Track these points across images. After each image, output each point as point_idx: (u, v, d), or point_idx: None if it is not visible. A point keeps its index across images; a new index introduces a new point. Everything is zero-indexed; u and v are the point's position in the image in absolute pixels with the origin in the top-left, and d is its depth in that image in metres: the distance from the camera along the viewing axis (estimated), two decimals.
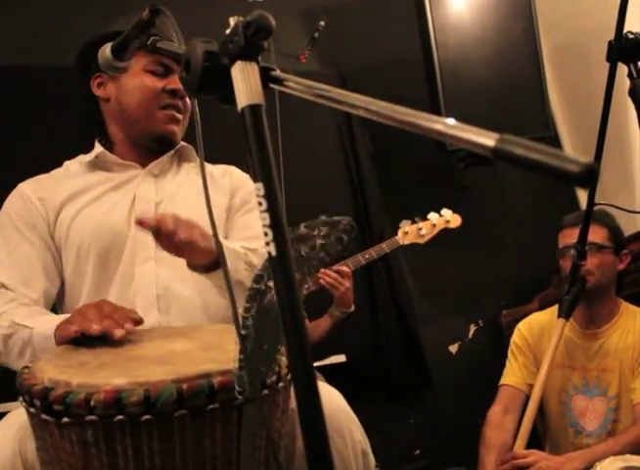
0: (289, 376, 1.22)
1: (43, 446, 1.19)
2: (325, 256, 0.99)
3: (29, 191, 1.82)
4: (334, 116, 3.75)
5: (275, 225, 0.82)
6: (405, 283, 3.59)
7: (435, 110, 3.54)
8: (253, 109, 0.87)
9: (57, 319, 1.53)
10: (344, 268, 2.95)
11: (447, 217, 3.23)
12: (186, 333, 1.46)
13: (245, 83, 0.88)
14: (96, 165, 1.90)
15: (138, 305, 1.69)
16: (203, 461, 1.10)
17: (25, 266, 1.74)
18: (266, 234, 0.83)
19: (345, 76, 3.88)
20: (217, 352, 1.21)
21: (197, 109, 1.16)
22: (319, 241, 0.97)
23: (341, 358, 3.37)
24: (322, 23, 3.68)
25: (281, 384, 1.19)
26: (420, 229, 3.16)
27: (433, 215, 3.21)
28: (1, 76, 3.18)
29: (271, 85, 0.93)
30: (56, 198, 1.80)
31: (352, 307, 2.99)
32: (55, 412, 1.09)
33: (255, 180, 0.84)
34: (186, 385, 1.06)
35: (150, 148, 1.90)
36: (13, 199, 1.83)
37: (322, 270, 2.91)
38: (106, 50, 1.48)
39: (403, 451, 2.98)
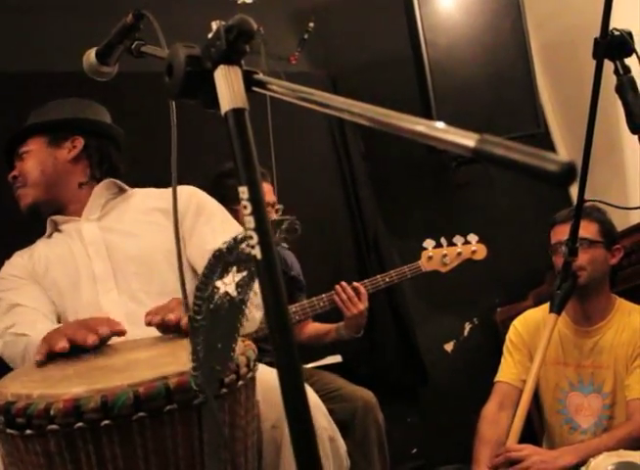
0: (249, 375, 1.24)
1: (12, 462, 1.21)
2: None
3: (16, 258, 2.08)
4: (325, 116, 3.75)
5: (260, 228, 0.83)
6: (401, 285, 3.58)
7: (426, 108, 3.55)
8: (237, 112, 0.87)
9: (50, 329, 1.59)
10: (362, 288, 2.87)
11: (473, 247, 3.12)
12: (157, 343, 1.48)
13: (228, 87, 0.89)
14: (54, 230, 2.11)
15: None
16: (166, 463, 1.11)
17: (31, 294, 1.94)
18: (251, 237, 0.83)
19: (336, 77, 3.88)
20: (180, 356, 1.21)
21: (174, 115, 1.15)
22: None
23: (337, 359, 3.37)
24: (311, 24, 3.69)
25: (241, 382, 1.20)
26: (445, 256, 3.06)
27: (458, 240, 3.10)
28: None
29: (254, 89, 0.93)
30: (32, 258, 2.03)
31: (361, 333, 2.94)
32: (18, 425, 1.11)
33: (240, 183, 0.85)
34: (142, 388, 1.08)
35: (48, 216, 2.10)
36: (3, 269, 2.06)
37: (340, 284, 2.84)
38: (91, 55, 1.48)
39: (400, 450, 2.99)
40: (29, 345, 1.69)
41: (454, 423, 3.44)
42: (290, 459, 1.40)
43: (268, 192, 2.92)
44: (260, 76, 0.94)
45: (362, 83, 3.84)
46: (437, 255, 3.06)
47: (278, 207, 2.94)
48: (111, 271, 1.91)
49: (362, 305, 2.83)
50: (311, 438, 0.83)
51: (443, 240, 3.08)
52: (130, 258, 1.91)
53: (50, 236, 2.10)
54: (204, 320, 1.00)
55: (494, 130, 3.52)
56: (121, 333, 1.50)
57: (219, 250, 0.98)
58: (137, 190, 2.13)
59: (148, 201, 2.06)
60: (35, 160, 2.08)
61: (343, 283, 2.85)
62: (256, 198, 0.84)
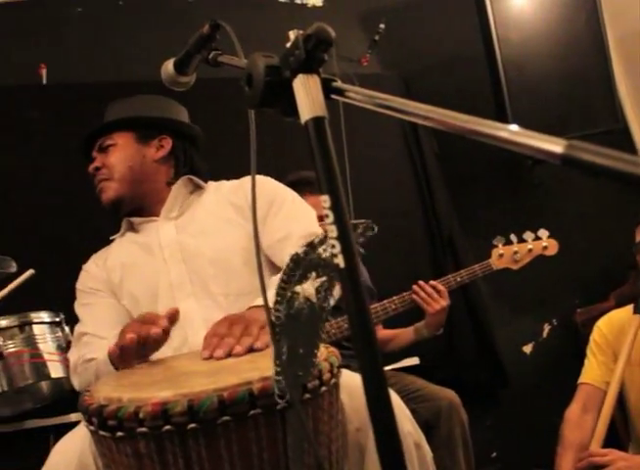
0: (333, 381, 1.24)
1: (106, 463, 1.26)
2: None
3: (90, 268, 2.08)
4: (401, 128, 3.75)
5: (343, 237, 0.83)
6: (477, 283, 3.54)
7: (500, 106, 3.50)
8: (317, 121, 0.88)
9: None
10: (440, 286, 2.86)
11: (544, 243, 3.05)
12: None
13: (307, 96, 0.89)
14: (128, 230, 2.13)
15: (189, 332, 1.83)
16: (251, 466, 1.13)
17: (99, 315, 1.95)
18: (334, 246, 0.83)
19: (408, 77, 3.86)
20: (263, 362, 1.23)
21: (254, 125, 1.15)
22: None
23: (414, 361, 3.35)
24: (382, 25, 3.69)
25: (324, 388, 1.20)
26: (515, 253, 3.01)
27: (529, 236, 3.04)
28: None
29: (333, 96, 0.93)
30: (109, 263, 2.05)
31: (441, 330, 2.93)
32: (110, 427, 1.15)
33: (321, 192, 0.85)
34: (227, 393, 1.10)
35: (129, 213, 2.12)
36: (80, 278, 2.08)
37: (418, 283, 2.84)
38: (169, 65, 1.51)
39: (480, 454, 2.94)
40: (99, 365, 1.73)
41: (535, 426, 3.37)
42: (375, 464, 1.39)
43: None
44: (339, 84, 0.94)
45: (434, 83, 3.82)
46: (508, 252, 3.01)
47: None
48: (187, 275, 1.90)
49: (444, 302, 2.83)
50: (397, 444, 0.82)
51: (513, 237, 3.02)
52: (206, 260, 1.90)
53: (124, 235, 2.12)
54: (284, 326, 1.00)
55: (570, 127, 3.46)
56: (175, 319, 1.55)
57: (297, 254, 0.99)
58: (210, 183, 2.14)
59: (220, 195, 2.06)
60: (123, 154, 2.08)
61: (421, 282, 2.84)
62: (338, 206, 0.84)
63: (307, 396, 1.14)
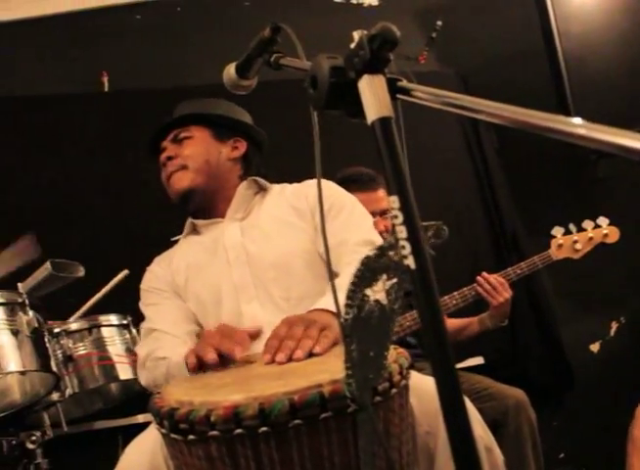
0: (403, 382, 1.23)
1: (178, 465, 1.27)
2: None
3: (155, 269, 2.10)
4: (461, 126, 3.71)
5: (412, 238, 0.82)
6: (542, 281, 3.48)
7: (562, 101, 3.43)
8: (383, 121, 0.87)
9: (187, 349, 1.65)
10: (501, 278, 2.86)
11: (604, 230, 3.00)
12: None
13: (373, 96, 0.89)
14: (191, 232, 2.16)
15: None
16: (322, 469, 1.13)
17: (167, 314, 1.97)
18: (404, 247, 0.82)
19: (466, 74, 3.83)
20: (332, 364, 1.22)
21: (317, 127, 1.15)
22: None
23: (479, 360, 3.32)
24: (439, 22, 3.66)
25: (394, 390, 1.19)
26: (575, 242, 2.96)
27: (588, 224, 2.99)
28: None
29: (398, 96, 0.93)
30: (174, 265, 2.07)
31: (506, 321, 2.92)
32: (181, 431, 1.16)
33: (390, 193, 0.84)
34: (297, 396, 1.09)
35: (197, 207, 2.12)
36: (145, 279, 2.11)
37: (482, 275, 2.85)
38: (230, 69, 1.52)
39: (547, 455, 2.89)
40: (171, 366, 1.74)
41: (603, 426, 3.31)
42: (445, 467, 1.38)
43: (382, 199, 2.89)
44: (404, 84, 0.93)
45: (493, 79, 3.77)
46: (568, 241, 2.96)
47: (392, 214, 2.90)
48: (250, 278, 1.91)
49: (507, 293, 2.82)
50: (472, 448, 0.81)
51: (572, 226, 2.97)
52: (269, 264, 1.90)
53: (187, 237, 2.14)
54: (355, 328, 0.99)
55: (636, 121, 3.38)
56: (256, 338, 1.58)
57: (367, 257, 0.98)
58: (273, 186, 2.14)
59: (282, 198, 2.07)
60: (200, 147, 2.09)
61: (484, 274, 2.85)
62: (408, 207, 0.83)
63: (378, 398, 1.13)
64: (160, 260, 2.13)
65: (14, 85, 3.54)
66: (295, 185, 2.12)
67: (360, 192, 2.80)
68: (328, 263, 1.05)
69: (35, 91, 3.52)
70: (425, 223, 0.94)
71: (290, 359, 1.37)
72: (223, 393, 1.20)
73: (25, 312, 2.14)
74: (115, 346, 2.51)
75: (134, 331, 2.56)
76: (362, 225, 1.95)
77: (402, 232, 0.83)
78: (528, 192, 3.78)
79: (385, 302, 1.00)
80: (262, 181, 2.12)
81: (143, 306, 2.05)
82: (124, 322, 2.57)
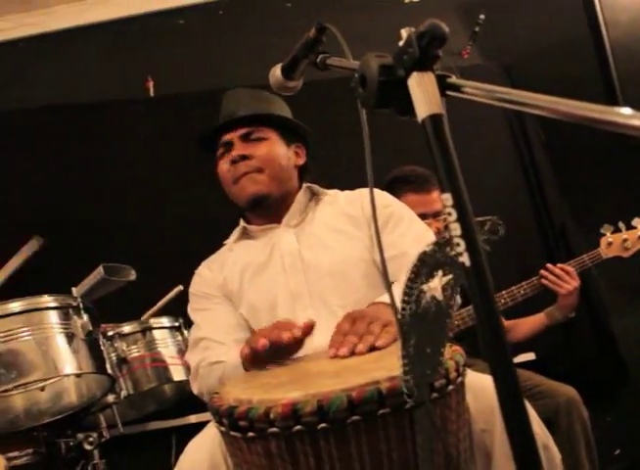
0: (459, 379, 1.23)
1: (237, 462, 1.29)
2: None
3: (205, 272, 2.07)
4: (502, 108, 3.67)
5: (467, 235, 0.82)
6: (593, 275, 3.43)
7: (609, 91, 3.38)
8: (434, 119, 0.87)
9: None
10: (568, 267, 2.84)
11: None
12: None
13: (423, 94, 0.89)
14: (243, 237, 2.11)
15: (312, 342, 1.78)
16: (380, 465, 1.13)
17: (218, 321, 1.95)
18: (458, 244, 0.82)
19: (510, 66, 3.79)
20: (389, 361, 1.23)
21: (366, 124, 1.14)
22: None
23: (530, 356, 3.29)
24: (482, 16, 3.62)
25: (451, 387, 1.19)
26: (625, 240, 2.90)
27: (638, 222, 2.91)
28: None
29: (448, 93, 0.92)
30: (224, 270, 2.03)
31: (574, 313, 2.89)
32: (241, 428, 1.18)
33: (443, 190, 0.84)
34: (355, 392, 1.10)
35: (260, 212, 2.07)
36: (194, 282, 2.09)
37: (546, 266, 2.83)
38: (276, 71, 1.52)
39: (602, 452, 2.85)
40: (227, 369, 1.74)
41: None
42: (502, 466, 1.37)
43: (436, 200, 2.87)
44: (454, 80, 0.92)
45: (538, 71, 3.72)
46: (617, 240, 2.91)
47: (445, 216, 2.88)
48: (305, 286, 1.88)
49: (575, 282, 2.80)
50: (532, 446, 0.80)
51: (621, 224, 2.92)
52: (325, 272, 1.88)
53: (239, 241, 2.10)
54: (412, 324, 0.99)
55: None
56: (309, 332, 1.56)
57: (424, 253, 0.98)
58: (326, 192, 2.10)
59: (336, 206, 2.04)
60: (276, 151, 2.03)
61: (549, 265, 2.83)
62: (462, 204, 0.83)
63: (435, 395, 1.13)
64: (209, 264, 2.10)
65: (62, 93, 3.61)
66: (347, 193, 2.10)
67: (413, 193, 2.79)
68: (384, 270, 1.04)
69: (83, 98, 3.59)
70: (480, 219, 0.94)
71: (352, 354, 1.39)
72: (281, 391, 1.22)
73: (80, 316, 2.18)
74: (168, 348, 2.55)
75: (186, 333, 2.59)
76: (422, 238, 1.91)
77: (456, 229, 0.82)
78: (577, 187, 3.71)
79: (441, 298, 1.00)
80: (317, 188, 2.09)
81: (192, 311, 2.04)
82: (176, 324, 2.61)
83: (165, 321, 2.59)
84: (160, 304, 2.64)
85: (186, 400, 2.78)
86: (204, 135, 2.08)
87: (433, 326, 1.01)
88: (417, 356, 1.00)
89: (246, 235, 2.10)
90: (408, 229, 1.93)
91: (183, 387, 2.69)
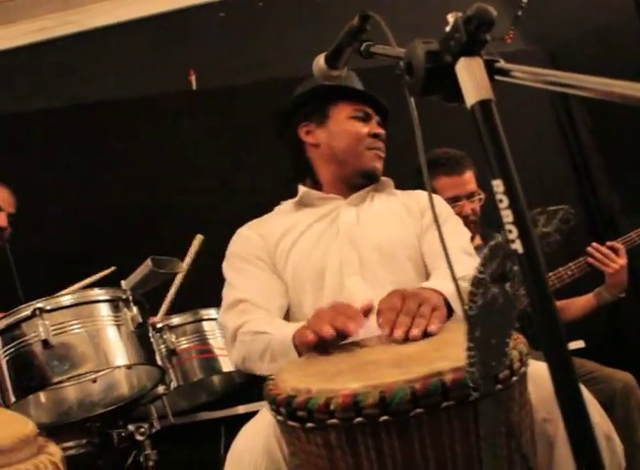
0: (522, 370, 1.20)
1: (294, 451, 1.28)
2: (545, 247, 0.95)
3: (249, 233, 2.06)
4: (548, 93, 3.62)
5: (519, 222, 0.81)
6: None
7: None
8: (484, 104, 0.86)
9: (294, 326, 1.65)
10: (618, 244, 2.79)
11: None
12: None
13: (471, 79, 0.88)
14: (302, 205, 2.11)
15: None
16: (443, 458, 1.11)
17: (259, 285, 1.94)
18: (510, 231, 0.81)
19: (554, 51, 3.72)
20: (449, 350, 1.21)
21: (415, 112, 1.14)
22: (537, 233, 0.93)
23: (579, 344, 3.24)
24: (524, 0, 3.57)
25: (515, 378, 1.17)
26: None
27: None
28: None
29: (497, 78, 0.91)
30: (272, 233, 2.02)
31: (624, 293, 2.84)
32: (299, 418, 1.16)
33: (493, 177, 0.83)
34: (419, 384, 1.08)
35: (356, 184, 2.10)
36: (236, 241, 2.07)
37: (592, 245, 2.79)
38: (320, 60, 1.52)
39: None
40: (273, 342, 1.70)
41: None
42: (565, 457, 1.35)
43: (469, 181, 2.85)
44: (502, 64, 0.91)
45: (583, 55, 3.65)
46: None
47: (480, 196, 2.86)
48: (356, 254, 1.91)
49: (622, 260, 2.76)
50: (590, 435, 0.79)
51: None
52: (375, 245, 1.92)
53: (295, 208, 2.10)
54: (479, 314, 0.98)
55: None
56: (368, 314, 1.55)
57: (496, 242, 0.96)
58: (392, 184, 2.16)
59: (392, 196, 2.12)
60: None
61: (595, 244, 2.79)
62: (513, 191, 0.82)
63: (499, 386, 1.11)
64: (256, 226, 2.09)
65: (105, 89, 3.65)
66: (402, 191, 2.17)
67: (447, 176, 2.78)
68: (447, 259, 1.02)
69: (125, 94, 3.62)
70: (552, 208, 0.92)
71: (406, 337, 1.39)
72: (341, 380, 1.20)
73: (130, 308, 2.20)
74: (216, 339, 2.57)
75: None
76: (464, 237, 2.01)
77: (508, 216, 0.81)
78: (625, 172, 3.64)
79: (509, 288, 0.98)
80: (389, 184, 2.16)
81: (229, 271, 2.01)
82: None
83: (214, 313, 2.60)
84: (189, 258, 2.63)
85: (235, 391, 2.80)
86: (336, 87, 2.04)
87: (499, 316, 0.99)
88: (482, 347, 0.99)
89: (303, 202, 2.11)
90: (453, 228, 2.02)
91: (232, 378, 2.71)
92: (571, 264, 2.79)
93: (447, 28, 0.91)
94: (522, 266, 0.81)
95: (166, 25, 3.75)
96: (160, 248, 2.53)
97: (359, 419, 1.09)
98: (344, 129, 2.06)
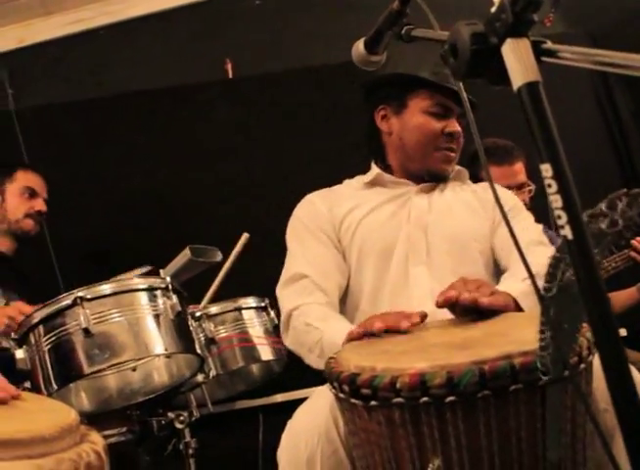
0: (590, 358, 1.19)
1: (353, 430, 1.28)
2: (625, 230, 0.92)
3: (318, 201, 2.03)
4: (588, 75, 3.55)
5: (569, 207, 0.79)
6: None
7: None
8: (531, 87, 0.84)
9: (345, 328, 1.65)
10: None
11: None
12: (476, 321, 1.47)
13: (518, 61, 0.86)
14: (374, 184, 2.07)
15: (414, 295, 1.83)
16: (507, 442, 1.11)
17: (321, 261, 1.92)
18: (559, 217, 0.79)
19: (595, 34, 3.65)
20: (514, 335, 1.21)
21: (465, 94, 1.12)
22: (618, 215, 0.91)
23: (621, 332, 3.18)
24: None
25: (582, 365, 1.16)
26: None
27: None
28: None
29: (543, 59, 0.88)
30: (340, 208, 1.99)
31: None
32: (363, 396, 1.16)
33: (542, 161, 0.81)
34: (487, 366, 1.07)
35: (423, 179, 2.04)
36: (303, 207, 2.05)
37: (637, 239, 2.74)
38: (359, 46, 1.49)
39: None
40: (324, 340, 1.71)
41: None
42: (623, 447, 1.32)
43: (520, 172, 2.80)
44: (549, 45, 0.89)
45: (626, 39, 3.57)
46: None
47: (530, 187, 2.82)
48: (424, 244, 1.89)
49: None
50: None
51: None
52: (446, 236, 1.90)
53: (367, 185, 2.07)
54: (554, 298, 0.96)
55: None
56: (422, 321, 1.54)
57: None
58: (457, 169, 2.10)
59: (465, 186, 2.09)
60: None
61: None
62: (562, 175, 0.80)
63: (567, 373, 1.09)
64: (324, 196, 2.06)
65: (142, 79, 3.66)
66: (480, 183, 2.14)
67: (496, 166, 2.75)
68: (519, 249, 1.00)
69: (163, 83, 3.63)
70: (634, 191, 0.90)
71: (474, 302, 1.42)
72: (407, 360, 1.20)
73: (169, 297, 2.20)
74: (255, 328, 2.56)
75: (272, 313, 2.60)
76: (536, 229, 2.00)
77: (557, 201, 0.79)
78: None
79: None
80: (464, 174, 2.14)
81: (292, 238, 2.02)
82: (262, 304, 2.62)
83: (252, 301, 2.60)
84: (232, 258, 2.63)
85: (273, 380, 2.80)
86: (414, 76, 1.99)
87: (573, 301, 0.97)
88: (555, 332, 0.98)
89: (375, 183, 2.07)
90: (525, 220, 2.00)
91: (271, 366, 2.71)
92: (615, 256, 2.74)
93: (493, 9, 0.89)
94: (571, 253, 0.79)
95: (203, 14, 3.74)
96: (199, 237, 2.53)
97: (425, 399, 1.09)
98: (417, 124, 1.98)
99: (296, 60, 3.58)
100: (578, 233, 0.78)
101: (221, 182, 3.42)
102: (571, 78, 3.37)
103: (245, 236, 2.64)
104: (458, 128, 1.98)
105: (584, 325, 1.23)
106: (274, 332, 2.57)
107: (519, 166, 2.78)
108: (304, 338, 1.78)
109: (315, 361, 1.74)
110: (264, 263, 2.57)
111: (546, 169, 0.80)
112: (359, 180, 2.11)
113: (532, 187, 2.80)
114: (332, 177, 2.16)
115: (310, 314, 1.79)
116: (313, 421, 1.49)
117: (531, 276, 0.94)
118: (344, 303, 1.97)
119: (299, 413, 1.58)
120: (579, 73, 3.50)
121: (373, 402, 1.14)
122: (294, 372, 2.61)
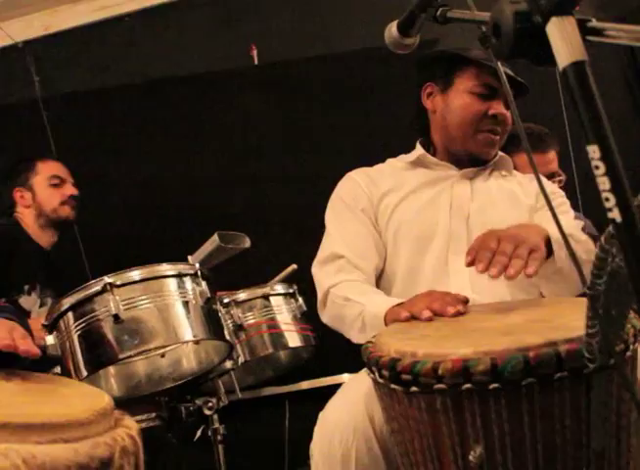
0: (636, 345, 1.17)
1: (391, 416, 1.26)
2: None
3: (359, 179, 2.01)
4: (618, 58, 3.50)
5: (617, 189, 0.76)
6: None
7: None
8: (577, 66, 0.81)
9: (387, 301, 1.66)
10: None
11: None
12: (516, 307, 1.46)
13: (564, 40, 0.83)
14: (417, 164, 2.05)
15: (452, 284, 1.81)
16: (551, 430, 1.09)
17: (358, 241, 1.91)
18: (607, 199, 0.77)
19: (622, 19, 3.56)
20: (559, 321, 1.19)
21: (505, 77, 1.10)
22: None
23: None
24: None
25: (628, 353, 1.13)
26: None
27: None
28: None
29: (589, 38, 0.86)
30: (380, 187, 1.98)
31: None
32: (403, 382, 1.15)
33: (589, 142, 0.79)
34: (532, 353, 1.05)
35: (465, 162, 2.01)
36: (345, 184, 2.04)
37: None
38: (392, 28, 1.47)
39: None
40: (365, 313, 1.69)
41: None
42: None
43: (553, 160, 2.75)
44: (595, 23, 0.86)
45: None
46: None
47: (561, 177, 2.77)
48: (465, 233, 1.87)
49: None
50: None
51: None
52: (487, 227, 1.81)
53: (410, 166, 2.05)
54: (603, 285, 0.94)
55: None
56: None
57: None
58: (501, 156, 2.07)
59: (510, 175, 2.07)
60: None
61: None
62: (610, 156, 0.77)
63: (613, 360, 1.07)
64: (364, 175, 2.04)
65: (169, 66, 3.66)
66: (526, 175, 2.12)
67: (532, 152, 2.70)
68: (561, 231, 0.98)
69: (189, 70, 3.62)
70: None
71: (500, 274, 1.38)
72: (449, 345, 1.18)
73: (198, 283, 2.20)
74: (283, 314, 2.56)
75: (300, 299, 2.60)
76: (571, 217, 1.97)
77: (605, 183, 0.77)
78: None
79: None
80: (508, 162, 2.11)
81: (331, 217, 2.01)
82: (290, 291, 2.61)
83: (280, 288, 2.60)
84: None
85: (299, 367, 2.80)
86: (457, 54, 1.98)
87: (621, 288, 0.94)
88: (603, 319, 0.95)
89: (418, 164, 2.05)
90: (567, 212, 1.97)
91: (299, 353, 2.71)
92: None
93: None
94: (620, 236, 0.77)
95: (228, 1, 3.73)
96: (226, 226, 2.53)
97: (468, 385, 1.08)
98: (461, 104, 1.94)
99: (321, 45, 3.56)
100: (627, 216, 0.76)
101: (247, 167, 3.41)
102: (600, 61, 3.32)
103: (291, 267, 2.65)
104: (503, 110, 1.93)
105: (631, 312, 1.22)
106: (302, 319, 2.57)
107: (552, 155, 2.72)
108: (345, 312, 1.77)
109: (356, 336, 1.73)
110: (288, 251, 2.58)
111: (594, 151, 0.78)
112: (402, 159, 2.09)
113: (563, 177, 2.75)
114: (362, 161, 2.13)
115: (349, 290, 1.79)
116: (347, 416, 1.47)
117: (563, 234, 0.92)
118: (378, 284, 1.95)
119: (332, 406, 1.57)
120: (608, 56, 3.46)
121: (414, 388, 1.13)
122: (319, 359, 2.61)
